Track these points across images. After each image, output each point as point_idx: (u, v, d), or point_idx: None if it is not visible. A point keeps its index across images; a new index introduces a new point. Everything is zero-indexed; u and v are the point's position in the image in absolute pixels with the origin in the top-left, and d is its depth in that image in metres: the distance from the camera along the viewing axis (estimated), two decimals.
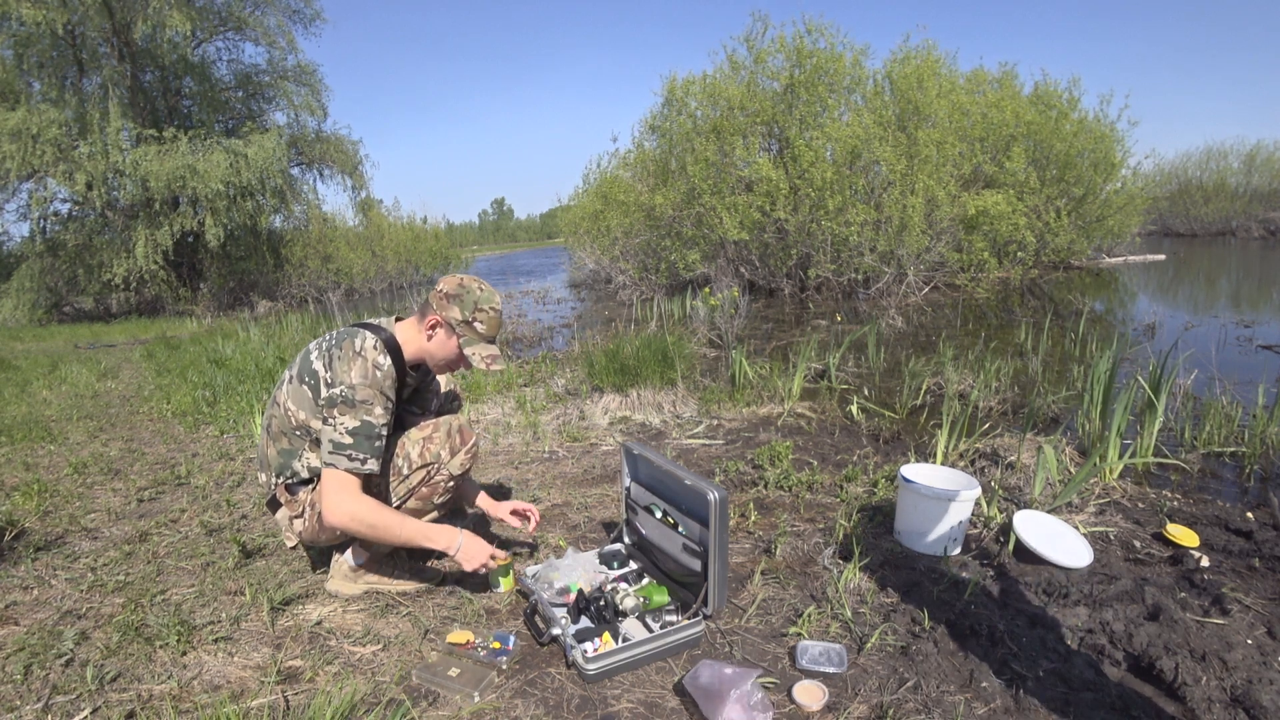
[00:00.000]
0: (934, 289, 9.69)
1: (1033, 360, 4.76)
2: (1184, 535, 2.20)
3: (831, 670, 1.61)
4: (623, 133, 21.27)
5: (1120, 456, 2.76)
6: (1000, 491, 2.51)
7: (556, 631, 1.71)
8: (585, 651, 1.63)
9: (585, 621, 1.80)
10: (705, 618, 1.79)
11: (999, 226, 9.86)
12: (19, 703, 1.58)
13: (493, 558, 1.87)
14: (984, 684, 1.56)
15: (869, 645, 1.70)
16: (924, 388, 4.10)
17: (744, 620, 1.85)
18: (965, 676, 1.60)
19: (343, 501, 1.71)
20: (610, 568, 2.07)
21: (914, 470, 2.31)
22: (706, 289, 7.77)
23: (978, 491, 2.17)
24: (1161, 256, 13.67)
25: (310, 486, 1.89)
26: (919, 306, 8.46)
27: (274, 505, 1.93)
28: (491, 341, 1.90)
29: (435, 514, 2.06)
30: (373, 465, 1.73)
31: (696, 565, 1.80)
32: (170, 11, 13.53)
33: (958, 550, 2.19)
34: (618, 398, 4.11)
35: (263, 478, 1.92)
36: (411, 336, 1.88)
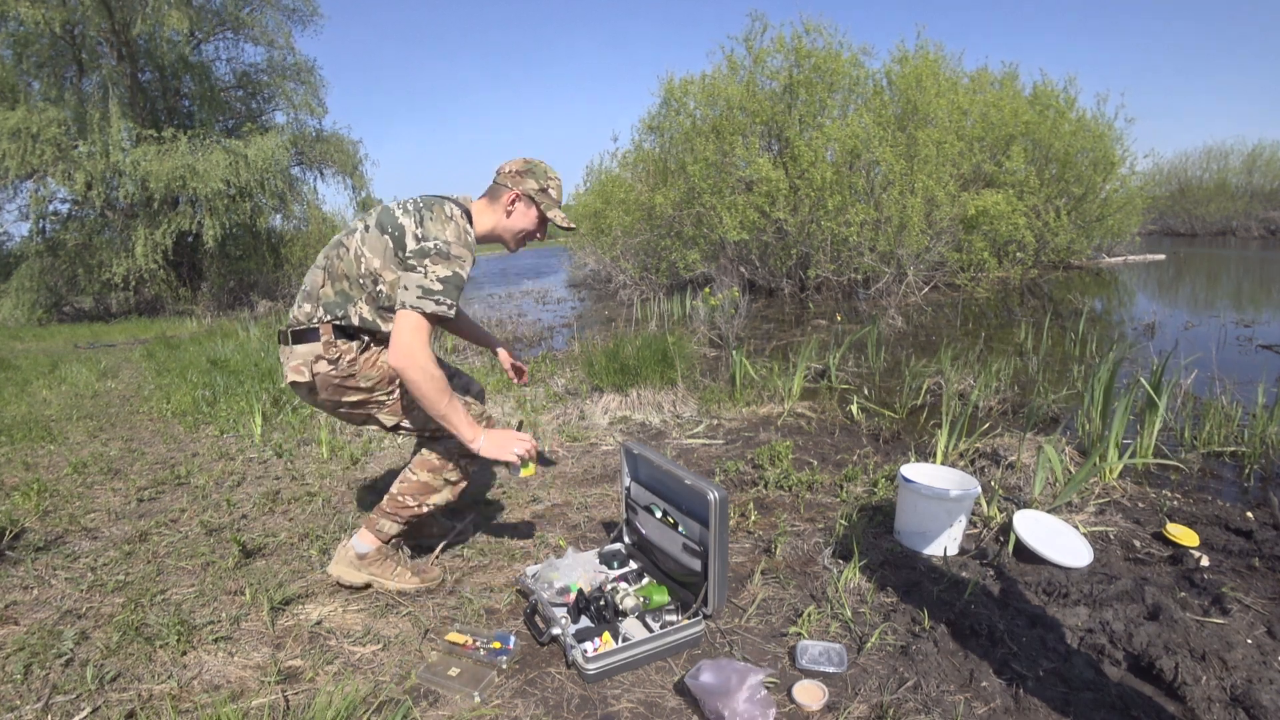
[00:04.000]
0: (934, 289, 9.69)
1: (1033, 360, 4.77)
2: (1184, 535, 2.20)
3: (831, 670, 1.61)
4: (622, 132, 21.31)
5: (1120, 456, 2.76)
6: (1000, 491, 2.51)
7: (556, 631, 1.71)
8: (585, 651, 1.63)
9: (585, 621, 1.80)
10: (705, 617, 1.79)
11: (999, 226, 9.86)
12: (19, 703, 1.58)
13: (516, 454, 1.88)
14: (984, 684, 1.56)
15: (869, 645, 1.70)
16: (924, 388, 4.10)
17: (744, 620, 1.85)
18: (965, 676, 1.60)
19: (416, 344, 1.75)
20: (610, 567, 2.07)
21: (914, 470, 2.31)
22: (706, 289, 7.77)
23: (978, 491, 2.17)
24: (1161, 256, 13.68)
25: (355, 342, 1.89)
26: (919, 306, 8.46)
27: (298, 338, 1.89)
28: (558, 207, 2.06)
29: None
30: (454, 312, 1.82)
31: (696, 565, 1.80)
32: (169, 11, 13.52)
33: (957, 550, 2.19)
34: (618, 398, 4.11)
35: (305, 308, 1.89)
36: (483, 215, 2.01)
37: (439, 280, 1.78)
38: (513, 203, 2.00)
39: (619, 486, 2.50)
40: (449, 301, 1.79)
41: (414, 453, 2.10)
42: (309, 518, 2.67)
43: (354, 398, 1.92)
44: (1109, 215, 12.00)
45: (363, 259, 1.85)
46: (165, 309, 14.98)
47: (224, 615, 1.93)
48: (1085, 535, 2.21)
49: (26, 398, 5.31)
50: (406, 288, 1.78)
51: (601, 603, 1.81)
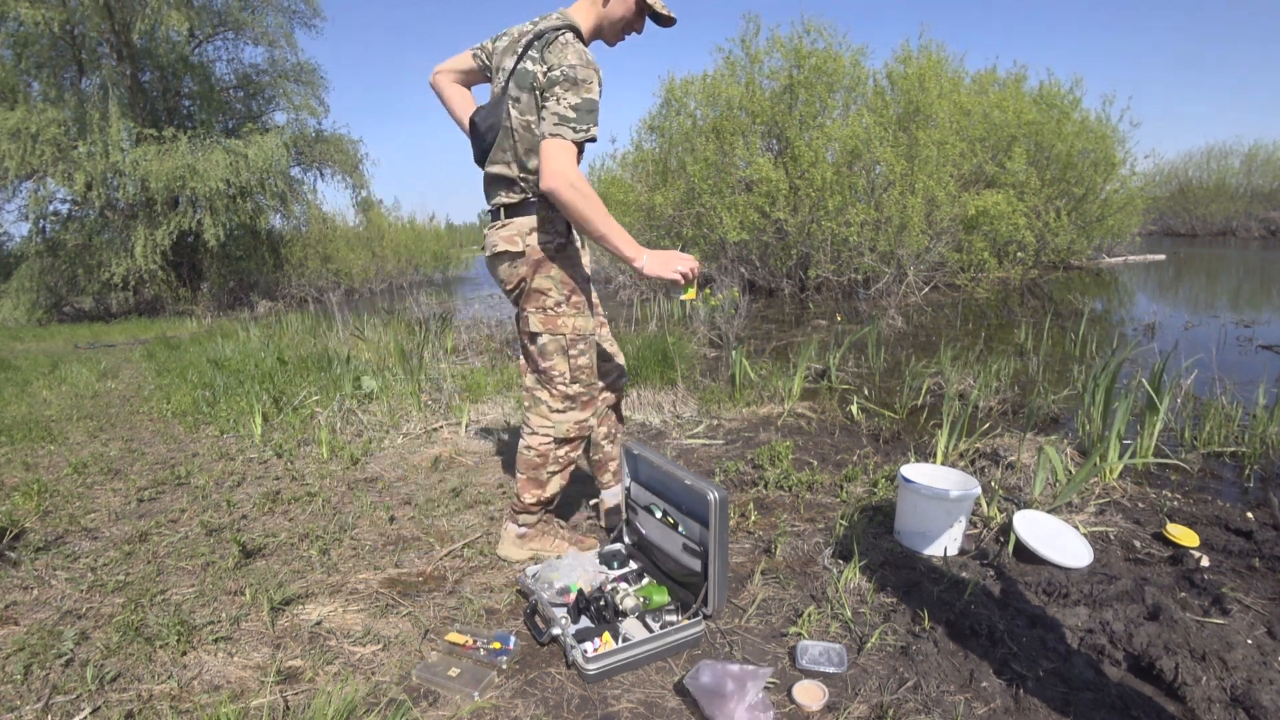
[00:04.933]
0: (934, 289, 9.69)
1: (1033, 360, 4.77)
2: (1184, 535, 2.20)
3: (831, 670, 1.61)
4: (621, 133, 21.30)
5: (1120, 456, 2.76)
6: (1000, 491, 2.51)
7: (556, 631, 1.71)
8: (585, 651, 1.63)
9: (585, 621, 1.80)
10: (705, 618, 1.79)
11: (999, 226, 9.86)
12: (19, 703, 1.58)
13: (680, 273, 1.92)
14: (984, 684, 1.56)
15: (869, 645, 1.70)
16: (924, 388, 4.09)
17: (744, 620, 1.85)
18: (965, 676, 1.60)
19: (567, 167, 1.76)
20: (610, 568, 2.07)
21: (914, 470, 2.31)
22: (707, 289, 7.76)
23: (978, 491, 2.17)
24: (1161, 256, 13.68)
25: (561, 231, 1.93)
26: (919, 306, 8.46)
27: (511, 211, 1.93)
28: None
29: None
30: (595, 133, 1.82)
31: (696, 565, 1.80)
32: (169, 11, 13.51)
33: (957, 550, 2.18)
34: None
35: (507, 193, 1.94)
36: (585, 13, 1.96)
37: (571, 108, 1.77)
38: None
39: (619, 486, 2.50)
40: (586, 124, 1.79)
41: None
42: (309, 518, 2.67)
43: (536, 284, 1.94)
44: (1109, 215, 12.00)
45: (531, 125, 1.86)
46: (165, 309, 14.99)
47: (224, 615, 1.93)
48: (1085, 535, 2.21)
49: (26, 398, 5.31)
50: (544, 119, 1.79)
51: (601, 603, 1.81)
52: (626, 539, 2.19)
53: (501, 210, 1.96)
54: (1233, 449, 2.99)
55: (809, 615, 1.81)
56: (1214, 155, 22.15)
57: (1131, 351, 4.56)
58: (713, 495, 1.68)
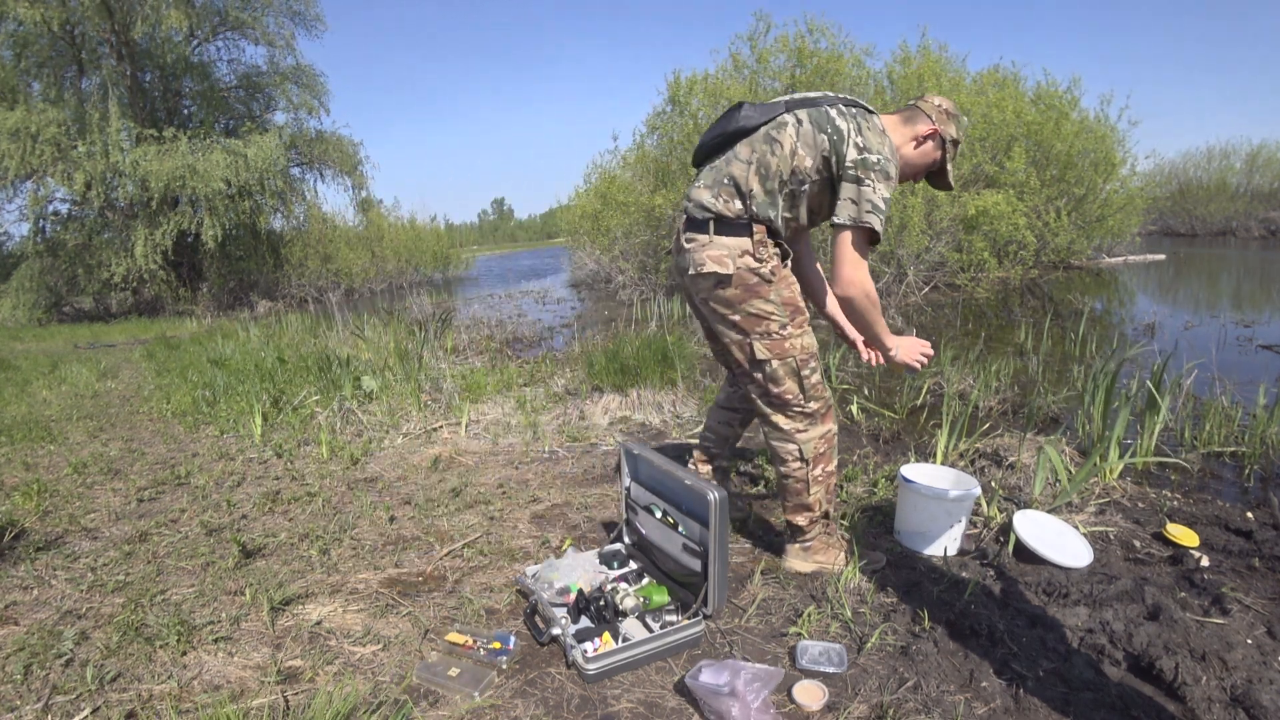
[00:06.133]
0: (934, 289, 9.69)
1: (1033, 360, 4.76)
2: (1184, 535, 2.20)
3: (831, 670, 1.61)
4: (623, 133, 21.38)
5: (1120, 456, 2.76)
6: (1000, 491, 2.51)
7: (556, 631, 1.71)
8: (585, 651, 1.63)
9: (585, 621, 1.80)
10: (705, 617, 1.79)
11: (999, 226, 9.85)
12: (19, 703, 1.58)
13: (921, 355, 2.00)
14: (984, 684, 1.56)
15: (869, 645, 1.70)
16: (924, 388, 4.09)
17: (744, 620, 1.85)
18: (965, 676, 1.60)
19: (862, 271, 1.76)
20: (610, 568, 2.07)
21: (914, 470, 2.31)
22: None
23: (978, 491, 2.17)
24: (1161, 256, 13.67)
25: (778, 250, 1.86)
26: (919, 306, 8.46)
27: (723, 228, 1.82)
28: None
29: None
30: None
31: (696, 565, 1.80)
32: (169, 11, 13.52)
33: (957, 550, 2.18)
34: (618, 398, 4.11)
35: (735, 205, 1.82)
36: (895, 135, 1.89)
37: (883, 200, 1.72)
38: (927, 137, 1.89)
39: (619, 486, 2.50)
40: (883, 219, 1.74)
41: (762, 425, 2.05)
42: (309, 518, 2.67)
43: (755, 309, 1.84)
44: (1109, 215, 12.00)
45: (797, 155, 1.78)
46: (165, 309, 14.99)
47: (224, 615, 1.93)
48: (1085, 535, 2.21)
49: (26, 398, 5.31)
50: (854, 201, 1.73)
51: (601, 603, 1.81)
52: (626, 539, 2.19)
53: (711, 224, 1.83)
54: (1233, 449, 2.99)
55: (809, 615, 1.81)
56: (1215, 155, 22.14)
57: (1131, 351, 4.56)
58: (713, 495, 1.68)
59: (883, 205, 1.72)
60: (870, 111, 1.84)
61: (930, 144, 1.90)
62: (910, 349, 1.97)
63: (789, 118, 1.81)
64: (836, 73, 9.89)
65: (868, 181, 1.72)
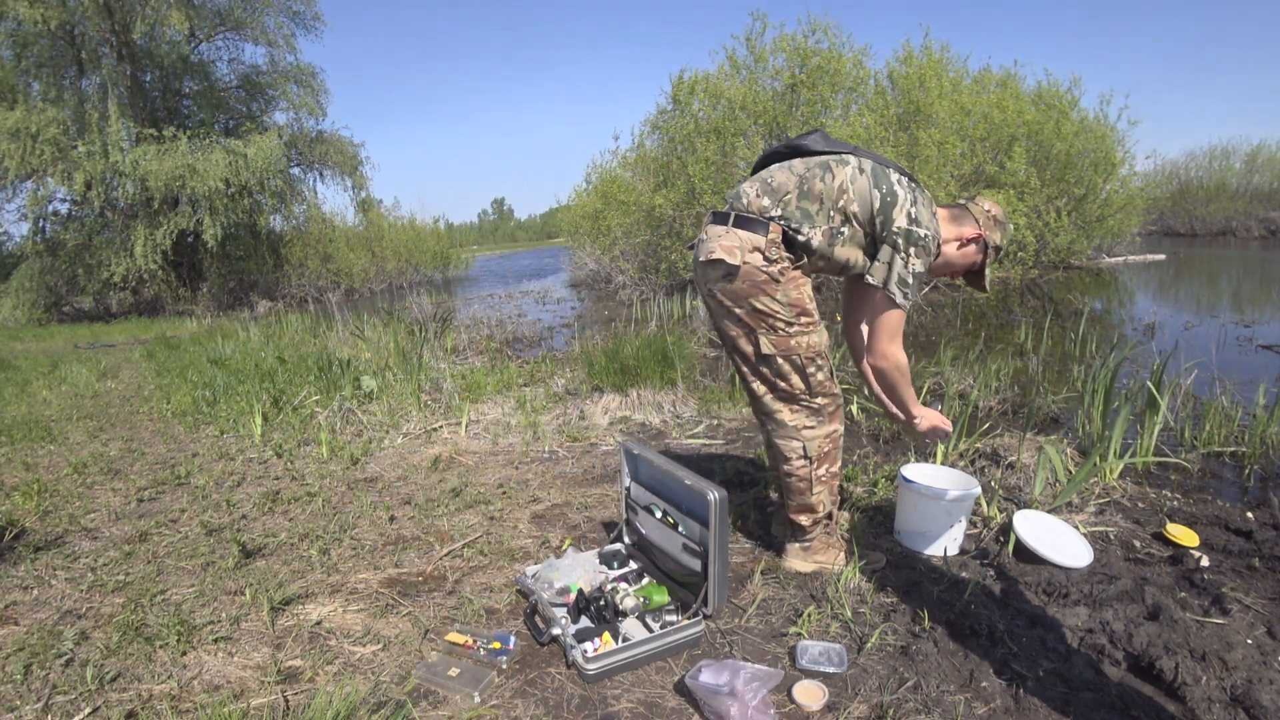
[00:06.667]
0: (934, 289, 9.69)
1: (1033, 360, 4.76)
2: (1184, 535, 2.20)
3: (831, 670, 1.61)
4: (624, 132, 21.43)
5: (1120, 456, 2.76)
6: (1000, 491, 2.51)
7: (556, 631, 1.71)
8: (585, 651, 1.63)
9: (585, 621, 1.80)
10: (705, 617, 1.79)
11: None
12: (19, 703, 1.58)
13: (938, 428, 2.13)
14: (984, 684, 1.56)
15: (869, 645, 1.70)
16: (924, 388, 4.09)
17: (744, 620, 1.85)
18: (965, 676, 1.60)
19: (896, 345, 1.86)
20: (610, 568, 2.07)
21: (914, 470, 2.30)
22: None
23: (978, 491, 2.17)
24: (1161, 256, 13.67)
25: (791, 255, 1.85)
26: (919, 306, 8.46)
27: (742, 223, 1.83)
28: None
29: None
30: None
31: (696, 565, 1.80)
32: (169, 11, 13.52)
33: (957, 550, 2.18)
34: (618, 398, 4.11)
35: (764, 201, 1.83)
36: (942, 229, 1.92)
37: (913, 275, 1.78)
38: (971, 240, 1.95)
39: (619, 486, 2.50)
40: (905, 297, 1.81)
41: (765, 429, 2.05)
42: (309, 518, 2.67)
43: (760, 305, 1.84)
44: (1109, 215, 12.01)
45: (846, 194, 1.81)
46: (165, 309, 14.99)
47: (224, 615, 1.93)
48: (1085, 535, 2.21)
49: (26, 398, 5.31)
50: (888, 265, 1.79)
51: (601, 603, 1.81)
52: (626, 539, 2.19)
53: (733, 216, 1.86)
54: (1233, 449, 2.99)
55: (809, 615, 1.81)
56: (1215, 155, 22.15)
57: (1131, 351, 4.57)
58: (713, 495, 1.68)
59: (911, 280, 1.79)
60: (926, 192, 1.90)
61: (973, 247, 1.97)
62: (932, 424, 2.10)
63: (853, 159, 1.86)
64: (837, 72, 9.88)
65: (907, 252, 1.78)
